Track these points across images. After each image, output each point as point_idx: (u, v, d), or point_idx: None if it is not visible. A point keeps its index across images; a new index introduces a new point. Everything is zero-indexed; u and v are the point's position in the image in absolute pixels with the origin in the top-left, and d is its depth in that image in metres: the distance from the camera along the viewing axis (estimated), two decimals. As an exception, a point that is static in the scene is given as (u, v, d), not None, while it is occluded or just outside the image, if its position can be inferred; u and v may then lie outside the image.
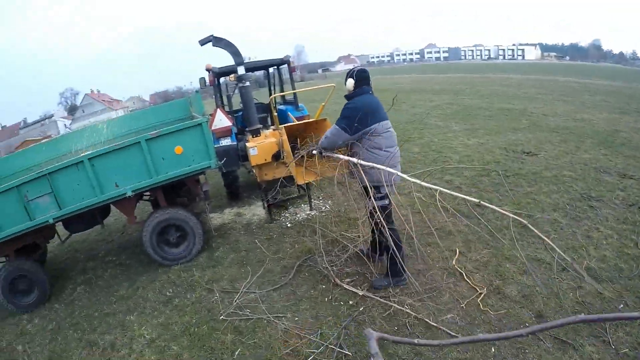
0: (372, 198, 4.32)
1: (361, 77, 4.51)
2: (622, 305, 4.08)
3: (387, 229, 4.16)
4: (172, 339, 4.49)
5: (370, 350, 2.70)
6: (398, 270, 4.59)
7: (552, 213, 5.96)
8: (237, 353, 4.04)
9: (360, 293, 4.59)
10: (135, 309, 5.26)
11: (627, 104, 17.17)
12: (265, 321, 4.43)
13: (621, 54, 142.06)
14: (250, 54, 8.62)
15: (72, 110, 73.90)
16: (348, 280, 4.92)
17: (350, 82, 4.51)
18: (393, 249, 4.26)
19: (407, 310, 4.19)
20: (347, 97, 4.55)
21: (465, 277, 4.66)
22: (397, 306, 4.29)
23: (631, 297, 4.25)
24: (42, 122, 62.96)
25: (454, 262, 4.98)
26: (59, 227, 6.41)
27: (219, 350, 4.13)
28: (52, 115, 64.04)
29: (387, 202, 4.42)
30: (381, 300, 4.43)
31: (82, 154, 5.56)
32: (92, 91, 75.87)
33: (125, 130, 8.07)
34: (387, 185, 4.33)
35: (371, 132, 4.34)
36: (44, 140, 20.92)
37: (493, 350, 3.73)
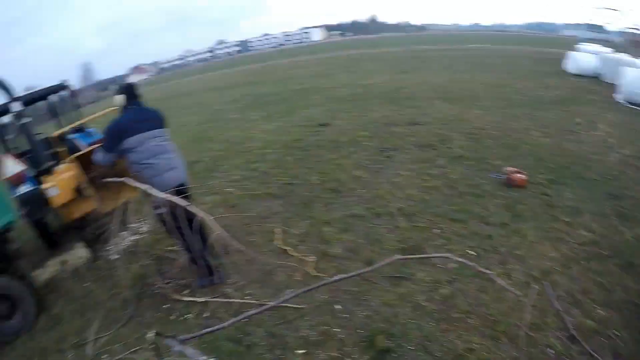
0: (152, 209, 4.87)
1: (128, 92, 5.00)
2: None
3: (175, 234, 4.80)
4: None
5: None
6: (207, 271, 5.20)
7: (356, 171, 6.78)
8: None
9: (201, 300, 5.00)
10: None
11: (406, 64, 19.66)
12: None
13: (398, 24, 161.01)
14: (31, 83, 7.92)
15: None
16: (186, 291, 5.28)
17: (119, 98, 4.99)
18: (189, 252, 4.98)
19: (251, 301, 4.68)
20: (120, 110, 5.05)
21: (290, 253, 5.29)
22: (239, 300, 4.77)
23: (444, 224, 5.20)
24: None
25: (278, 243, 5.55)
26: None
27: None
28: None
29: (163, 210, 4.62)
30: (224, 300, 4.88)
31: None
32: None
33: None
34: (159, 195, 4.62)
35: (126, 148, 4.82)
36: None
37: (340, 306, 4.40)
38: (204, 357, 3.25)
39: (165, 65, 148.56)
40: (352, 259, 5.03)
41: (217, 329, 3.48)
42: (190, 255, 5.04)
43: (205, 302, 4.97)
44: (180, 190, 4.95)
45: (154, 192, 4.55)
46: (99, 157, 5.05)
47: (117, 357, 4.62)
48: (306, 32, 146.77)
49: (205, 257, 5.06)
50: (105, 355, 4.75)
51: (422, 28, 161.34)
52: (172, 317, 4.95)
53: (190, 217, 4.52)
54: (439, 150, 8.08)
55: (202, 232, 4.82)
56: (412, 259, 4.68)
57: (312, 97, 14.31)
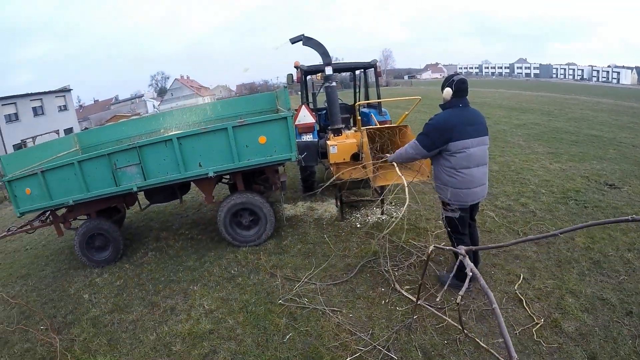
0: (443, 209, 4.52)
1: (459, 88, 4.36)
2: None
3: (452, 238, 4.39)
4: (229, 313, 4.86)
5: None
6: (462, 276, 4.57)
7: (626, 253, 5.62)
8: (287, 337, 4.28)
9: (417, 301, 4.57)
10: (199, 281, 5.74)
11: None
12: (320, 312, 4.64)
13: None
14: (337, 56, 8.85)
15: (161, 92, 78.39)
16: (407, 287, 4.99)
17: (448, 92, 4.39)
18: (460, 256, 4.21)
19: (460, 327, 4.12)
20: (441, 106, 4.52)
21: (524, 305, 4.54)
22: (450, 321, 4.28)
23: None
24: (132, 100, 67.26)
25: (515, 287, 4.87)
26: (141, 196, 7.14)
27: (271, 331, 4.41)
28: (142, 95, 68.37)
29: (456, 214, 4.45)
30: (436, 312, 4.44)
31: (171, 133, 6.01)
32: (181, 76, 79.79)
33: (214, 116, 8.77)
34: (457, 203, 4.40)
35: (445, 150, 4.34)
36: (133, 117, 22.48)
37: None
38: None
39: (461, 71, 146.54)
40: (578, 344, 3.96)
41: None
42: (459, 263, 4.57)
43: (419, 305, 4.52)
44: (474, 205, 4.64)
45: (446, 195, 4.42)
46: (412, 151, 4.63)
47: (312, 306, 4.75)
48: (615, 72, 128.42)
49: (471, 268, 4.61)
50: (305, 300, 4.91)
51: None
52: (381, 302, 4.75)
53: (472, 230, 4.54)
54: None
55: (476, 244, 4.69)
56: None
57: (607, 148, 12.22)
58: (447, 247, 3.78)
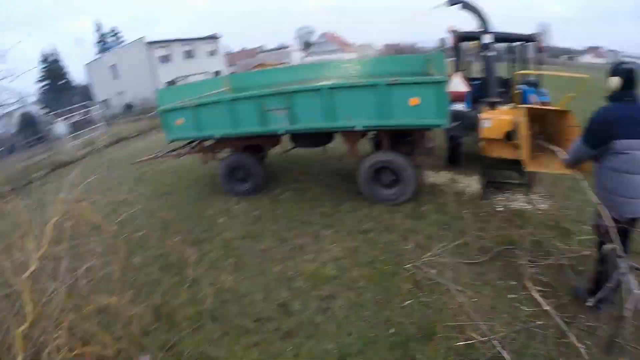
0: (596, 214, 4.01)
1: (629, 78, 3.79)
2: None
3: (600, 248, 3.94)
4: (355, 264, 4.98)
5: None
6: (602, 295, 4.14)
7: None
8: (407, 303, 4.29)
9: (545, 307, 4.29)
10: (332, 227, 5.95)
11: None
12: (444, 288, 4.55)
13: None
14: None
15: (306, 46, 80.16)
16: (539, 288, 4.62)
17: (616, 81, 3.82)
18: (602, 271, 3.92)
19: (582, 350, 3.76)
20: (609, 97, 3.94)
21: None
22: (574, 340, 3.85)
23: None
24: (278, 50, 69.60)
25: None
26: (285, 138, 7.46)
27: (392, 292, 4.45)
28: (287, 47, 70.48)
29: (609, 224, 3.85)
30: (562, 325, 4.05)
31: (323, 83, 6.19)
32: (327, 32, 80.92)
33: (364, 72, 8.76)
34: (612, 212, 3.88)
35: (608, 148, 3.80)
36: (279, 65, 23.34)
37: None
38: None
39: (623, 59, 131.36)
40: None
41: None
42: (600, 272, 4.16)
43: (547, 312, 4.20)
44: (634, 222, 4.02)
45: (601, 206, 3.87)
46: (577, 149, 4.21)
47: (438, 279, 4.66)
48: None
49: (612, 285, 4.19)
50: (434, 271, 4.84)
51: None
52: (508, 296, 4.48)
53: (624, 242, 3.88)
54: None
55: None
56: None
57: None
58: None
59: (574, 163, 4.36)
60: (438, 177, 7.92)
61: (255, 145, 7.77)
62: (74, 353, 3.38)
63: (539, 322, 4.07)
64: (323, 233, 5.71)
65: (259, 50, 73.52)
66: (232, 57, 57.79)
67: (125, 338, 4.00)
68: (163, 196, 7.75)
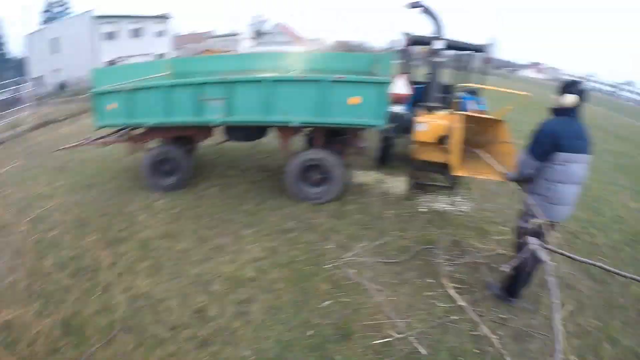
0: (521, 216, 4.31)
1: (584, 97, 4.05)
2: None
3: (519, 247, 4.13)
4: (274, 265, 4.96)
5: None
6: (513, 290, 4.52)
7: None
8: (325, 303, 4.31)
9: (460, 303, 4.50)
10: (254, 226, 5.88)
11: None
12: (363, 287, 4.61)
13: None
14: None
15: (258, 35, 78.79)
16: (455, 286, 4.82)
17: (571, 99, 4.04)
18: (517, 267, 4.10)
19: (494, 340, 4.01)
20: (554, 110, 4.17)
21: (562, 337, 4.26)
22: (487, 332, 4.11)
23: None
24: (228, 37, 67.93)
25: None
26: (218, 130, 7.21)
27: (311, 293, 4.46)
28: (237, 34, 68.85)
29: (531, 226, 4.11)
30: (475, 319, 4.28)
31: (265, 75, 6.03)
32: (280, 23, 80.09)
33: (307, 67, 8.64)
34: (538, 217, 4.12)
35: (550, 160, 4.05)
36: (226, 52, 22.88)
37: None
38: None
39: (573, 77, 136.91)
40: None
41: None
42: (517, 271, 4.35)
43: (460, 306, 4.40)
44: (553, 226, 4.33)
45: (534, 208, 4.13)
46: (525, 163, 4.35)
47: (357, 279, 4.71)
48: None
49: (525, 281, 4.48)
50: (352, 271, 4.88)
51: None
52: (425, 293, 4.63)
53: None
54: None
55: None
56: None
57: None
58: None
59: (520, 177, 4.50)
60: (366, 176, 8.02)
61: (186, 137, 7.43)
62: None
63: (454, 317, 4.24)
64: (244, 232, 5.62)
65: (209, 36, 71.54)
66: (180, 40, 55.92)
67: (31, 358, 3.75)
68: (84, 189, 7.37)
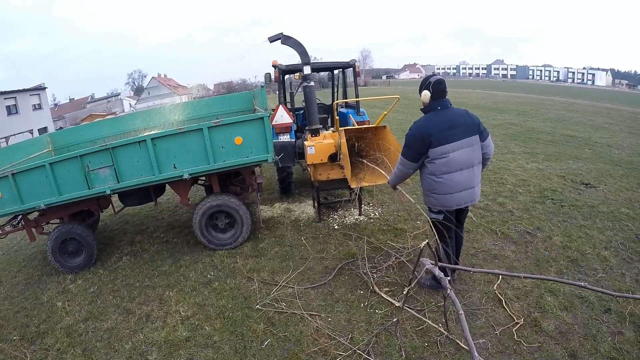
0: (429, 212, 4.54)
1: (437, 89, 4.25)
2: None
3: (438, 241, 4.23)
4: (206, 319, 4.78)
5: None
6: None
7: (603, 251, 5.68)
8: (266, 343, 4.22)
9: (397, 304, 4.62)
10: (175, 286, 5.66)
11: None
12: (298, 317, 4.59)
13: None
14: (317, 54, 8.84)
15: (138, 91, 77.38)
16: (386, 289, 4.98)
17: (426, 95, 4.28)
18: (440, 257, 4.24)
19: (440, 329, 4.19)
20: (423, 110, 4.40)
21: (504, 304, 4.58)
22: (430, 323, 4.28)
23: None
24: (108, 99, 66.14)
25: (494, 288, 4.91)
26: (115, 198, 7.00)
27: (249, 337, 4.34)
28: (119, 94, 67.44)
29: (440, 217, 4.41)
30: (416, 314, 4.44)
31: (145, 134, 5.88)
32: (159, 75, 78.77)
33: (189, 116, 8.69)
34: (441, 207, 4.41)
35: (425, 157, 4.28)
36: (108, 117, 22.14)
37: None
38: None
39: (439, 71, 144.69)
40: (559, 343, 3.96)
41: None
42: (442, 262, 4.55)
43: (398, 308, 4.51)
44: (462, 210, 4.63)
45: (429, 201, 4.47)
46: (402, 167, 4.51)
47: (290, 310, 4.70)
48: (591, 73, 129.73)
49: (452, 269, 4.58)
50: (283, 304, 4.86)
51: None
52: (360, 305, 4.72)
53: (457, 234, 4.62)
54: None
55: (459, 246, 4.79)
56: None
57: (582, 148, 12.43)
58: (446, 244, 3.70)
59: (400, 180, 4.72)
60: (273, 210, 8.08)
61: (85, 211, 7.06)
62: None
63: (395, 319, 4.30)
64: (167, 294, 5.37)
65: (89, 100, 68.80)
66: (60, 110, 53.22)
67: None
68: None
